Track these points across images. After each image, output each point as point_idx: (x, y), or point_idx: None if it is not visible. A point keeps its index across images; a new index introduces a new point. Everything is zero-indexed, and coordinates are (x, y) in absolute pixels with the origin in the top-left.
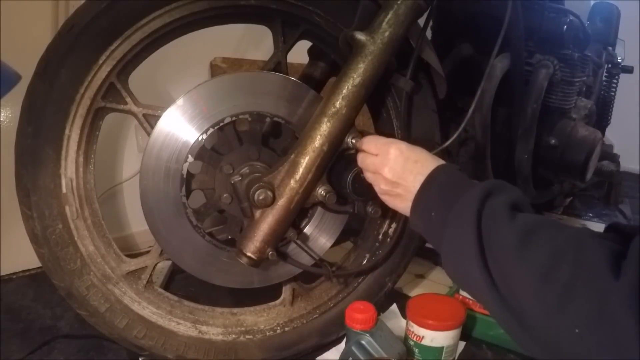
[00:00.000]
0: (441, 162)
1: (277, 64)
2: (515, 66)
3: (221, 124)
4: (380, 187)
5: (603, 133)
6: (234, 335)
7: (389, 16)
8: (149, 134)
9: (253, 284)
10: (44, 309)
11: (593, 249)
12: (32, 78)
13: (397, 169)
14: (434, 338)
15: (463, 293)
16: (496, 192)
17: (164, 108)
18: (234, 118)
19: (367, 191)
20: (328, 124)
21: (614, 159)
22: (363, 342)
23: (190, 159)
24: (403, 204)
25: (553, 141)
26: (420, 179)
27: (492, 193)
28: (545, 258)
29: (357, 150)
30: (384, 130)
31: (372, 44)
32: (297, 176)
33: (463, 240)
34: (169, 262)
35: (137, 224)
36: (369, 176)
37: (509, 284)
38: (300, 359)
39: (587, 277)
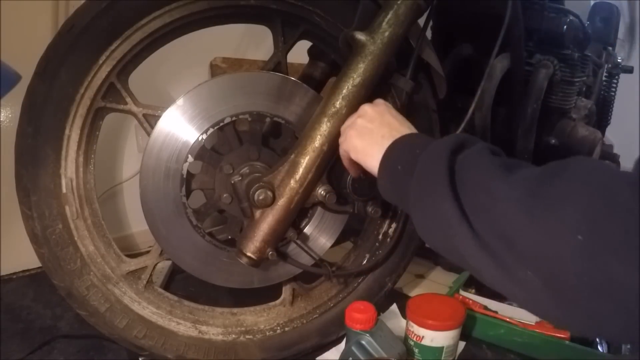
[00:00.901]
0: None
1: (277, 64)
2: (515, 66)
3: (221, 124)
4: (351, 131)
5: (603, 133)
6: (234, 335)
7: (389, 16)
8: (149, 134)
9: (253, 284)
10: (44, 309)
11: (590, 160)
12: (32, 78)
13: (372, 113)
14: (434, 338)
15: (463, 293)
16: (471, 139)
17: (164, 108)
18: (234, 118)
19: (367, 191)
20: (328, 124)
21: (614, 159)
22: (363, 342)
23: (190, 159)
24: (373, 149)
25: (553, 141)
26: (394, 120)
27: (467, 140)
28: (530, 178)
29: None
30: None
31: (372, 44)
32: (297, 176)
33: (431, 181)
34: (169, 262)
35: (137, 224)
36: (342, 138)
37: (486, 213)
38: (300, 359)
39: (586, 179)
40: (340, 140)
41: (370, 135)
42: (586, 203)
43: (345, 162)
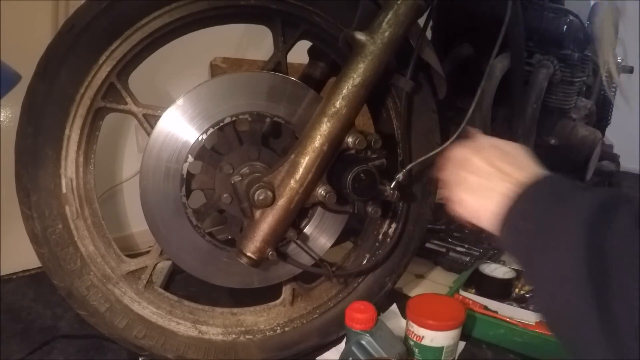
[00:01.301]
0: (541, 169)
1: (277, 64)
2: (515, 66)
3: (221, 124)
4: (460, 191)
5: (603, 133)
6: (234, 335)
7: (389, 16)
8: (149, 134)
9: (253, 284)
10: (44, 309)
11: None
12: (32, 78)
13: (482, 165)
14: (434, 338)
15: (463, 293)
16: (613, 199)
17: (164, 108)
18: (234, 118)
19: (366, 191)
20: (328, 124)
21: (614, 159)
22: (363, 342)
23: (190, 159)
24: (489, 208)
25: (553, 141)
26: (508, 166)
27: (608, 202)
28: None
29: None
30: (384, 130)
31: (372, 44)
32: (297, 176)
33: (563, 257)
34: (169, 262)
35: (137, 224)
36: (449, 172)
37: (630, 318)
38: (300, 359)
39: None
40: (446, 196)
41: (485, 194)
42: None
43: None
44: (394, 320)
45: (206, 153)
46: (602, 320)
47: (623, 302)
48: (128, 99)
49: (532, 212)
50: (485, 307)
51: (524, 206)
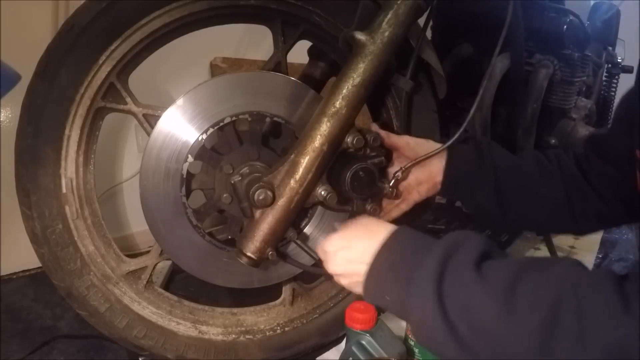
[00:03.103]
0: (382, 237)
1: (277, 64)
2: (515, 66)
3: (221, 124)
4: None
5: None
6: (234, 335)
7: (389, 16)
8: (149, 134)
9: (253, 284)
10: (44, 309)
11: (592, 285)
12: (32, 78)
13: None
14: None
15: None
16: (454, 253)
17: (164, 108)
18: (234, 118)
19: (365, 189)
20: (328, 124)
21: None
22: (363, 342)
23: (190, 159)
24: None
25: (553, 141)
26: (370, 248)
27: (450, 255)
28: (539, 314)
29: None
30: (384, 130)
31: (372, 44)
32: (297, 176)
33: (429, 324)
34: (169, 262)
35: (137, 224)
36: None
37: (473, 338)
38: (300, 359)
39: (594, 318)
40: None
41: (351, 276)
42: (600, 346)
43: None
44: (394, 320)
45: (206, 153)
46: (456, 342)
47: (468, 329)
48: (128, 99)
49: (390, 288)
50: None
51: (374, 293)
